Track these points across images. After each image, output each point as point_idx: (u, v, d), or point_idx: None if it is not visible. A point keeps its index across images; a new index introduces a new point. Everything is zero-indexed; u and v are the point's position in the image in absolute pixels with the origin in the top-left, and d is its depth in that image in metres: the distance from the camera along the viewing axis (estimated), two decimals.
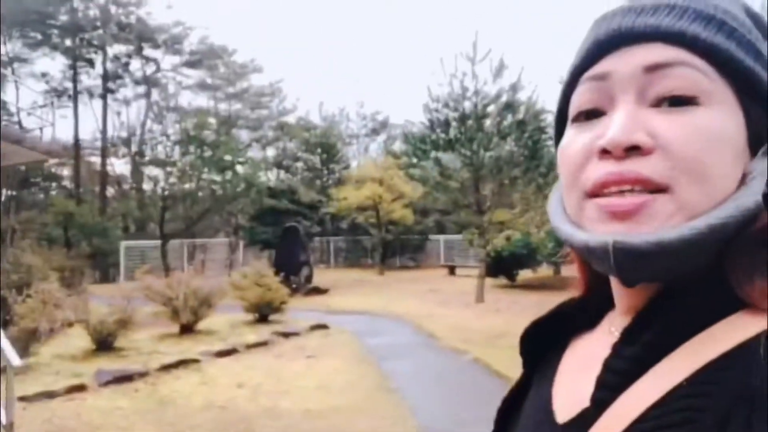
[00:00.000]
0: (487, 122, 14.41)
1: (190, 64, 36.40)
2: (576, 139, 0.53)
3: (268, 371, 7.54)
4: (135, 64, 34.83)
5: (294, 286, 14.57)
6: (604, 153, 0.49)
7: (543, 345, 0.66)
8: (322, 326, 10.56)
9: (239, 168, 24.16)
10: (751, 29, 0.53)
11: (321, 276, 18.98)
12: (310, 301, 14.53)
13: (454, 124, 14.31)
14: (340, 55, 63.33)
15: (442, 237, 26.15)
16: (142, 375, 7.17)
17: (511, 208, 15.18)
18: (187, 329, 9.85)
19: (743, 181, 0.49)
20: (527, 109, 14.55)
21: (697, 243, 0.46)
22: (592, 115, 0.53)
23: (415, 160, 16.13)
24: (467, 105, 14.12)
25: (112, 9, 32.21)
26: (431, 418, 5.73)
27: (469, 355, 8.26)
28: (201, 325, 10.11)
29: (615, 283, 0.56)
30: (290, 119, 37.91)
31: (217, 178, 23.45)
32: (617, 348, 0.50)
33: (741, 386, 0.42)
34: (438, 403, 6.22)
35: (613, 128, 0.49)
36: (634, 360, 0.48)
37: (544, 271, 19.13)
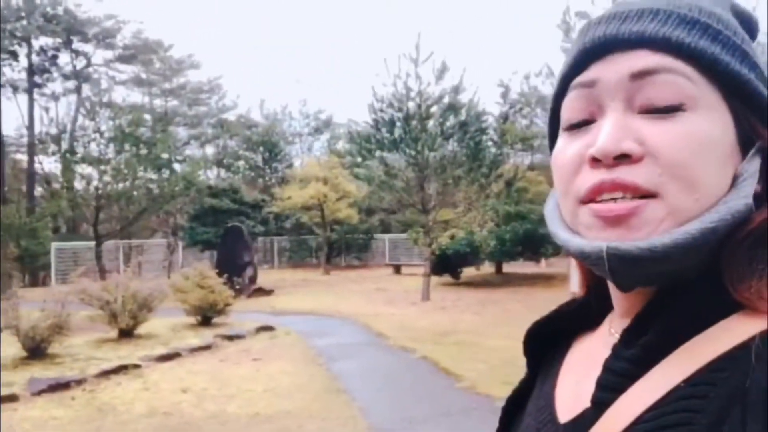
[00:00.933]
0: (431, 123, 14.59)
1: (124, 59, 35.09)
2: (568, 146, 0.53)
3: (213, 375, 7.35)
4: (64, 58, 33.28)
5: (237, 287, 14.26)
6: (595, 161, 0.50)
7: (546, 345, 0.67)
8: (268, 328, 10.40)
9: (177, 166, 23.44)
10: (736, 30, 0.53)
11: (265, 277, 18.69)
12: (254, 303, 14.28)
13: (398, 124, 14.40)
14: (281, 52, 62.63)
15: (387, 236, 26.30)
16: (79, 382, 6.84)
17: (455, 208, 15.44)
18: (126, 334, 9.48)
19: (734, 182, 0.50)
20: (469, 111, 14.84)
21: (690, 247, 0.47)
22: (582, 124, 0.53)
23: (359, 160, 16.14)
24: (411, 105, 14.26)
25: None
26: (382, 417, 5.73)
27: (417, 353, 8.32)
28: (141, 330, 9.75)
29: (612, 286, 0.56)
30: (230, 117, 37.20)
31: (154, 176, 22.70)
32: (617, 349, 0.51)
33: (737, 387, 0.42)
34: (388, 402, 6.23)
35: (602, 137, 0.49)
36: (633, 361, 0.49)
37: (487, 268, 19.54)
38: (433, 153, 14.24)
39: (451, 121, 14.76)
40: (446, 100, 14.51)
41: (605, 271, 0.49)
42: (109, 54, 34.74)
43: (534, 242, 16.21)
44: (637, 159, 0.48)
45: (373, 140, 14.79)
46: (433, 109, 14.46)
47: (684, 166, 0.48)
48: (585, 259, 0.51)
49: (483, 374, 6.99)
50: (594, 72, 0.52)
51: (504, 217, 16.53)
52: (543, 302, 13.00)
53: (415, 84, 14.12)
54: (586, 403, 0.52)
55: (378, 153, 14.73)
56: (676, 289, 0.50)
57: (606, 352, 0.52)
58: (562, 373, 0.62)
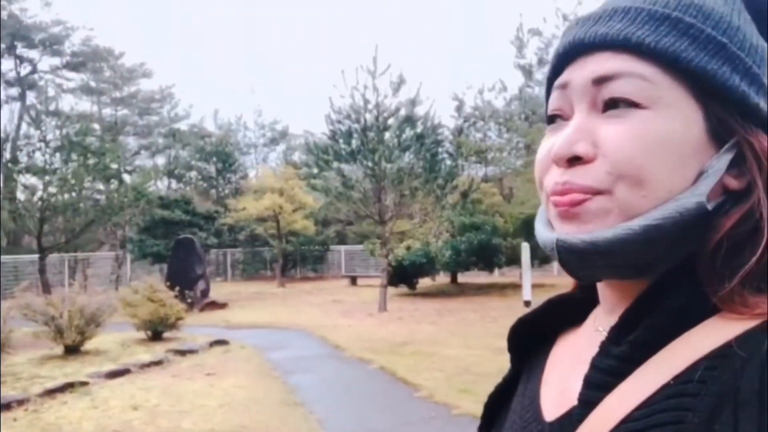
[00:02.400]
0: (388, 135, 14.69)
1: (72, 66, 34.01)
2: (543, 145, 0.56)
3: (165, 391, 7.14)
4: (7, 64, 31.99)
5: (189, 301, 13.91)
6: (555, 161, 0.52)
7: (531, 341, 0.67)
8: (222, 342, 10.17)
9: (127, 177, 22.80)
10: (718, 21, 0.52)
11: (218, 290, 18.31)
12: (207, 317, 13.95)
13: (355, 135, 14.44)
14: (237, 62, 61.93)
15: (343, 247, 26.19)
16: (22, 402, 6.51)
17: (411, 219, 15.53)
18: (72, 350, 9.09)
19: (697, 179, 0.50)
20: (425, 123, 15.02)
21: (631, 243, 0.48)
22: (559, 119, 0.56)
23: (316, 171, 16.08)
24: (368, 117, 14.32)
25: None
26: (340, 429, 5.68)
27: (375, 364, 8.30)
28: (88, 345, 9.38)
29: (601, 283, 0.57)
30: (183, 126, 36.46)
31: (102, 187, 22.00)
32: (604, 347, 0.51)
33: (727, 386, 0.43)
34: (346, 414, 6.18)
35: (558, 141, 0.51)
36: (621, 359, 0.49)
37: (442, 278, 19.68)
38: (390, 164, 14.32)
39: (408, 133, 14.90)
40: (403, 112, 14.66)
41: (559, 263, 0.51)
42: (57, 61, 33.63)
43: (488, 252, 16.45)
44: (589, 160, 0.50)
45: (330, 151, 14.77)
46: (390, 121, 14.57)
47: (631, 164, 0.49)
48: (547, 251, 0.53)
49: (440, 383, 7.02)
50: (566, 75, 0.55)
51: (459, 228, 16.73)
52: (497, 311, 13.27)
53: (372, 96, 14.21)
54: (573, 401, 0.52)
55: (335, 164, 14.72)
56: (663, 287, 0.50)
57: (592, 350, 0.52)
58: (547, 370, 0.62)
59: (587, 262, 0.50)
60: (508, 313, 12.77)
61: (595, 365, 0.50)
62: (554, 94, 0.56)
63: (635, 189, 0.49)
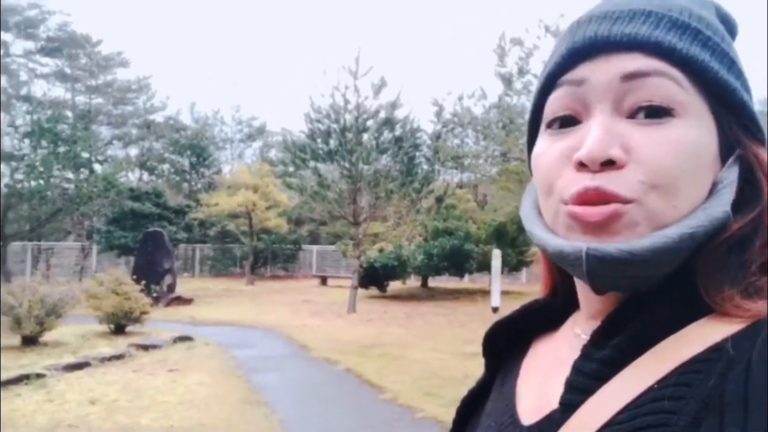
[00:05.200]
0: (366, 136, 14.67)
1: (47, 52, 33.23)
2: (551, 147, 0.52)
3: (125, 386, 6.98)
4: None
5: (155, 295, 13.70)
6: (581, 165, 0.49)
7: (505, 346, 0.66)
8: (186, 338, 10.02)
9: (98, 166, 22.38)
10: (724, 36, 0.53)
11: (185, 285, 18.05)
12: (172, 312, 13.72)
13: (334, 135, 14.39)
14: (216, 56, 61.31)
15: (315, 247, 26.07)
16: None
17: (385, 221, 15.53)
18: (30, 341, 8.85)
19: (713, 190, 0.50)
20: (404, 127, 15.04)
21: (668, 251, 0.47)
22: (566, 121, 0.52)
23: (292, 169, 15.97)
24: (348, 118, 14.28)
25: None
26: (302, 429, 5.62)
27: (341, 365, 8.25)
28: (47, 337, 9.14)
29: (583, 288, 0.56)
30: (158, 118, 35.89)
31: (72, 176, 21.57)
32: (587, 350, 0.50)
33: (712, 390, 0.42)
34: (309, 415, 6.12)
35: (590, 141, 0.48)
36: (603, 362, 0.48)
37: (413, 282, 19.73)
38: (367, 166, 14.30)
39: (386, 135, 14.89)
40: (383, 114, 14.63)
41: (582, 273, 0.48)
42: (31, 45, 32.83)
43: (460, 258, 16.53)
44: (621, 165, 0.48)
45: (307, 150, 14.69)
46: (370, 122, 14.55)
47: (667, 174, 0.48)
48: (562, 260, 0.50)
49: (406, 386, 7.00)
50: (583, 71, 0.51)
51: (432, 233, 16.78)
52: (466, 316, 13.33)
53: (353, 97, 14.17)
54: (552, 405, 0.51)
55: (312, 163, 14.64)
56: (648, 293, 0.49)
57: (572, 354, 0.51)
58: (522, 374, 0.61)
59: (619, 272, 0.47)
60: (476, 318, 12.84)
61: (578, 368, 0.49)
62: (562, 91, 0.52)
63: (667, 199, 0.48)
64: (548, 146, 0.53)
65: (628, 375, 0.47)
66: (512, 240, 17.37)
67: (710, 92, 0.50)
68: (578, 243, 0.48)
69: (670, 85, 0.49)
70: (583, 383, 0.48)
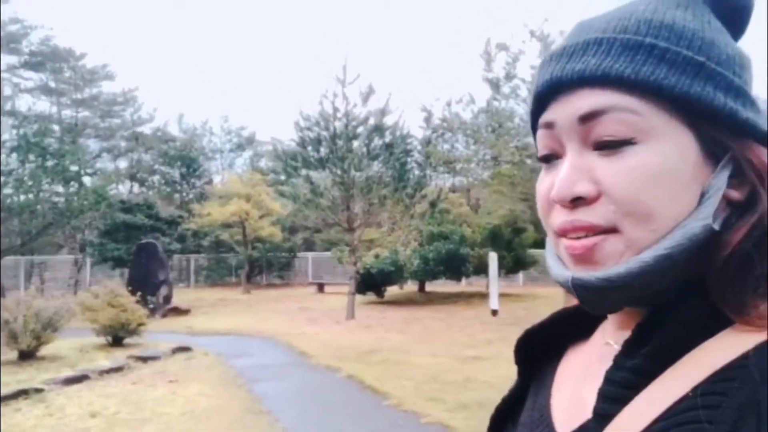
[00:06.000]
0: (356, 143, 14.68)
1: (30, 66, 33.00)
2: (542, 183, 0.55)
3: (126, 399, 6.91)
4: None
5: (151, 306, 13.60)
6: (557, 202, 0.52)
7: (538, 354, 0.67)
8: (185, 349, 9.94)
9: (87, 179, 22.23)
10: (692, 38, 0.51)
11: (181, 296, 17.93)
12: (169, 323, 13.63)
13: (324, 142, 14.39)
14: (204, 66, 61.16)
15: (310, 254, 25.99)
16: None
17: (380, 227, 15.52)
18: (27, 355, 8.75)
19: (701, 201, 0.50)
20: (394, 133, 15.06)
21: (644, 274, 0.48)
22: (550, 157, 0.55)
23: (283, 177, 15.94)
24: (338, 125, 14.29)
25: None
26: None
27: (343, 372, 8.21)
28: (44, 351, 9.04)
29: None
30: (146, 130, 35.70)
31: (61, 189, 21.41)
32: (618, 360, 0.51)
33: (748, 397, 0.42)
34: (313, 423, 6.08)
35: (557, 182, 0.51)
36: (636, 372, 0.48)
37: (410, 287, 19.71)
38: (358, 173, 14.30)
39: (377, 142, 14.91)
40: (372, 121, 14.66)
41: (578, 299, 0.52)
42: (14, 59, 32.57)
43: (456, 262, 16.54)
44: (592, 199, 0.50)
45: (299, 158, 14.67)
46: (360, 129, 14.56)
47: (636, 202, 0.49)
48: (562, 286, 0.53)
49: (409, 391, 6.98)
50: (550, 114, 0.54)
51: (427, 237, 16.79)
52: (464, 320, 13.32)
53: (342, 104, 14.19)
54: (586, 414, 0.51)
55: (303, 171, 14.62)
56: (676, 302, 0.50)
57: (604, 363, 0.52)
58: (556, 384, 0.62)
59: (604, 297, 0.50)
60: (475, 322, 12.84)
61: (609, 378, 0.50)
62: (541, 133, 0.55)
63: (643, 224, 0.49)
64: (541, 180, 0.56)
65: (661, 384, 0.47)
66: (507, 243, 17.41)
67: (677, 105, 0.49)
68: (566, 273, 0.52)
69: (625, 117, 0.49)
70: (616, 393, 0.49)
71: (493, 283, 13.84)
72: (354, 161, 14.16)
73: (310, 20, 61.81)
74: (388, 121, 15.01)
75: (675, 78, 0.49)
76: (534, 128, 0.58)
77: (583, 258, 0.50)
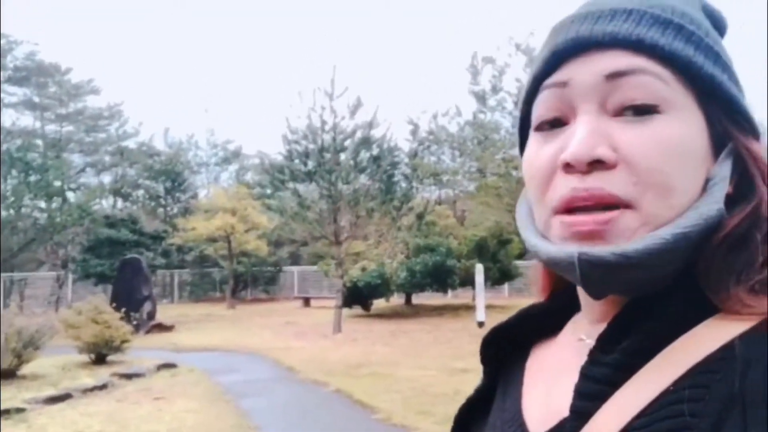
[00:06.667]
0: (344, 156, 14.71)
1: (15, 81, 32.74)
2: (540, 151, 0.52)
3: (110, 417, 6.80)
4: None
5: (135, 323, 13.42)
6: (568, 167, 0.48)
7: (504, 353, 0.64)
8: (170, 365, 9.81)
9: (71, 194, 22.03)
10: (708, 31, 0.53)
11: (164, 312, 17.71)
12: (153, 340, 13.46)
13: (312, 155, 14.40)
14: (189, 81, 61.03)
15: (296, 268, 25.86)
16: None
17: (366, 240, 15.52)
18: (8, 374, 8.57)
19: (706, 186, 0.49)
20: (381, 145, 15.12)
21: (662, 253, 0.46)
22: (554, 123, 0.52)
23: (270, 191, 15.91)
24: (326, 138, 14.31)
25: None
26: None
27: (331, 387, 8.15)
28: (25, 369, 8.87)
29: (584, 292, 0.54)
30: (131, 144, 35.48)
31: (44, 205, 21.17)
32: (594, 355, 0.49)
33: (731, 389, 0.41)
34: None
35: (575, 141, 0.48)
36: (613, 367, 0.47)
37: (396, 300, 19.67)
38: (346, 185, 14.31)
39: (364, 154, 14.95)
40: (360, 134, 14.70)
41: (576, 278, 0.48)
42: None
43: (442, 274, 16.55)
44: (611, 165, 0.47)
45: (286, 171, 14.65)
46: (347, 142, 14.59)
47: (660, 172, 0.47)
48: (555, 266, 0.50)
49: (398, 405, 6.94)
50: (566, 72, 0.51)
51: (414, 250, 16.79)
52: (451, 332, 13.32)
53: (329, 117, 14.22)
54: (561, 413, 0.50)
55: (291, 184, 14.59)
56: (653, 294, 0.49)
57: (577, 360, 0.50)
58: (526, 382, 0.59)
59: (614, 277, 0.47)
60: (462, 334, 12.82)
61: (586, 374, 0.48)
62: (547, 94, 0.52)
63: (663, 199, 0.47)
64: (537, 149, 0.52)
65: (641, 379, 0.45)
66: (493, 254, 17.46)
67: (696, 87, 0.50)
68: (570, 248, 0.47)
69: (653, 82, 0.49)
70: (593, 389, 0.47)
71: (480, 294, 13.86)
72: (341, 174, 14.17)
73: (297, 33, 62.07)
74: (376, 133, 15.08)
75: (701, 59, 0.50)
76: (530, 97, 0.55)
77: (591, 235, 0.47)
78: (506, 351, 0.64)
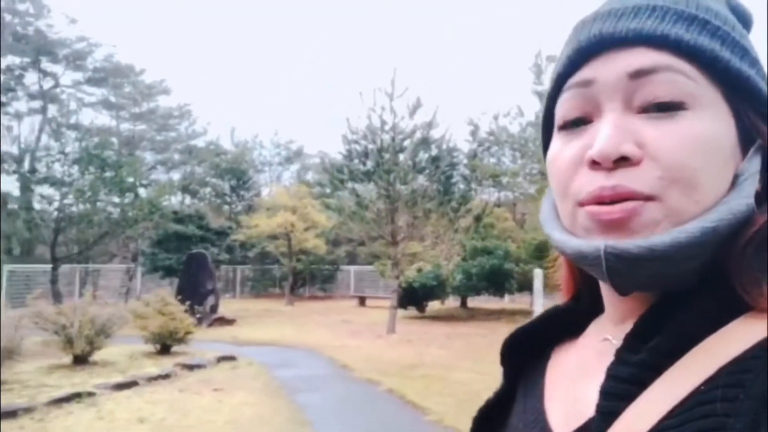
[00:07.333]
0: (403, 156, 14.74)
1: (94, 82, 34.61)
2: (564, 149, 0.52)
3: (172, 405, 7.08)
4: (31, 78, 32.61)
5: (198, 316, 13.92)
6: (594, 164, 0.48)
7: (524, 355, 0.64)
8: (230, 358, 10.12)
9: (142, 191, 23.03)
10: (734, 25, 0.52)
11: (226, 306, 18.29)
12: (215, 332, 13.91)
13: (371, 155, 14.51)
14: (255, 82, 62.73)
15: (352, 267, 26.13)
16: (28, 410, 6.49)
17: (423, 241, 15.48)
18: (80, 360, 9.09)
19: (734, 182, 0.49)
20: (440, 146, 15.06)
21: (690, 247, 0.45)
22: (578, 122, 0.52)
23: (329, 190, 16.14)
24: (385, 138, 14.38)
25: (7, 17, 30.06)
26: None
27: (384, 386, 8.19)
28: (96, 356, 9.36)
29: (609, 291, 0.54)
30: (199, 143, 36.86)
31: (117, 200, 22.24)
32: (621, 355, 0.48)
33: (765, 388, 0.40)
34: None
35: (601, 139, 0.48)
36: (641, 366, 0.46)
37: (452, 302, 19.54)
38: (404, 186, 14.34)
39: (423, 155, 14.94)
40: (419, 134, 14.70)
41: (602, 273, 0.47)
42: (79, 76, 34.26)
43: (499, 277, 16.31)
44: (636, 162, 0.47)
45: (345, 171, 14.83)
46: (406, 143, 14.62)
47: (685, 168, 0.47)
48: (582, 260, 0.49)
49: (450, 408, 6.91)
50: (590, 71, 0.51)
51: (471, 252, 16.63)
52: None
53: (389, 117, 14.29)
54: (586, 414, 0.49)
55: (350, 184, 14.75)
56: (680, 293, 0.48)
57: (601, 360, 0.50)
58: (549, 384, 0.59)
59: (640, 270, 0.46)
60: None
61: (612, 374, 0.47)
62: (571, 93, 0.52)
63: (688, 194, 0.47)
64: (561, 147, 0.53)
65: (671, 378, 0.44)
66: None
67: (723, 82, 0.49)
68: (596, 242, 0.47)
69: (678, 79, 0.48)
70: (620, 389, 0.46)
71: (538, 300, 13.55)
72: (400, 174, 14.21)
73: (361, 34, 62.68)
74: (435, 134, 15.05)
75: (728, 54, 0.49)
76: (554, 95, 0.55)
77: (618, 224, 0.47)
78: (528, 354, 0.64)
